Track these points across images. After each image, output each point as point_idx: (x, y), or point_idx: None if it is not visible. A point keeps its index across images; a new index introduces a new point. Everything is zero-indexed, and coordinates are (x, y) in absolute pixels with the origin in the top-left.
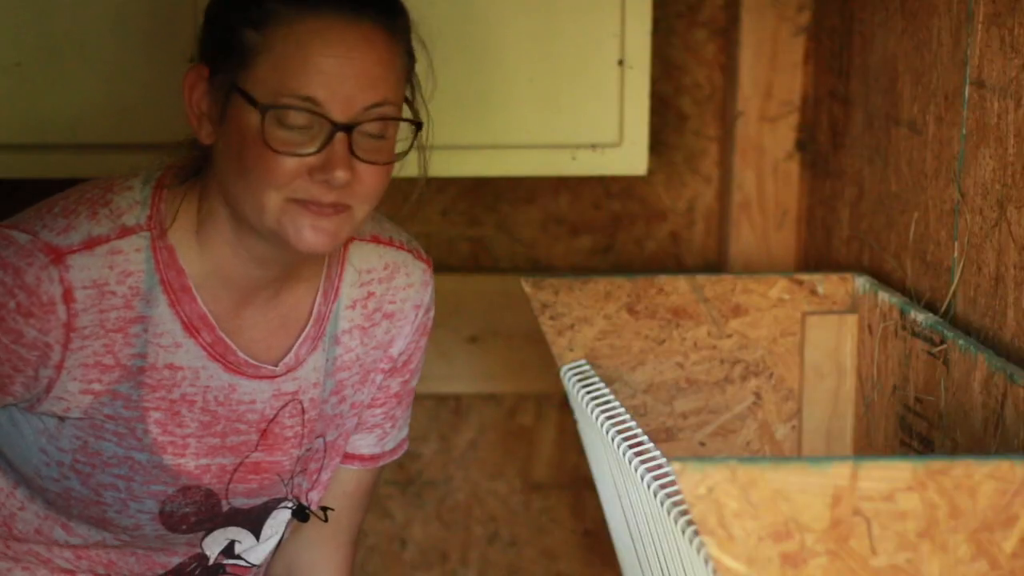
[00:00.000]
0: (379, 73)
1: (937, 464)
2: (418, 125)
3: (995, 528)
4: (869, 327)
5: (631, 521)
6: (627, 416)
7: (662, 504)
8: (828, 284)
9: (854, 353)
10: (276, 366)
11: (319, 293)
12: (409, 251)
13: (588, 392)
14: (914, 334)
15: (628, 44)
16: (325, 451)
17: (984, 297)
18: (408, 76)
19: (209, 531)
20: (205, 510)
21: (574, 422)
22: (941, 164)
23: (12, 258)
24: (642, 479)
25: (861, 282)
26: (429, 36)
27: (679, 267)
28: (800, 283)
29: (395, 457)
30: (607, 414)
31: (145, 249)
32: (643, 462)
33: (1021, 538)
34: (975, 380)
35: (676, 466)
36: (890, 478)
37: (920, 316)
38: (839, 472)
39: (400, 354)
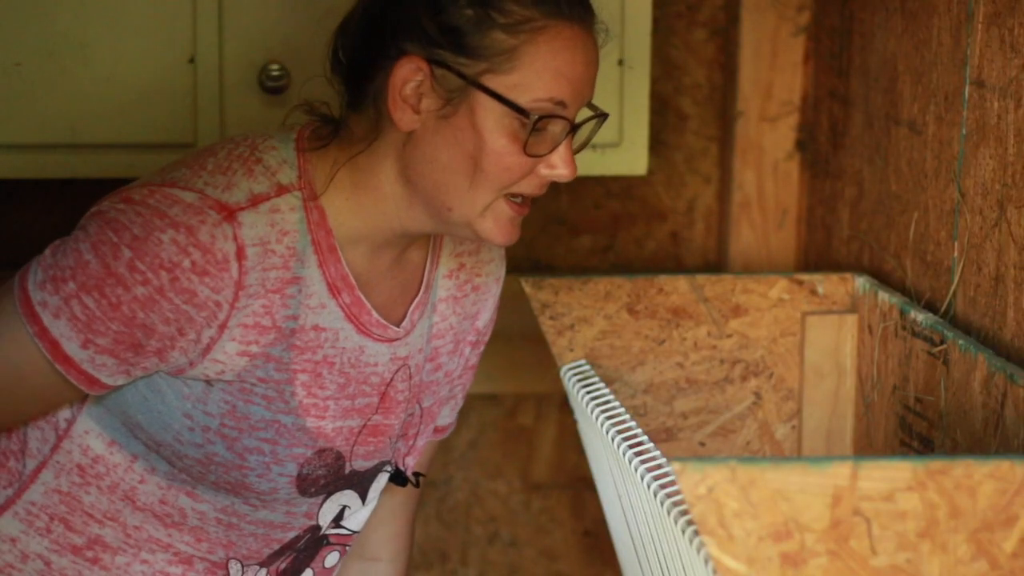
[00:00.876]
0: (596, 74)
1: (937, 464)
2: (605, 116)
3: (995, 528)
4: (869, 327)
5: (631, 521)
6: (627, 416)
7: (662, 504)
8: (828, 284)
9: (854, 353)
10: (398, 328)
11: (428, 260)
12: None
13: (588, 392)
14: (914, 334)
15: (628, 44)
16: (422, 417)
17: (984, 297)
18: None
19: (330, 494)
20: (333, 472)
21: (574, 422)
22: (941, 164)
23: (181, 216)
24: (642, 479)
25: (861, 282)
26: None
27: (679, 267)
28: (800, 283)
29: (452, 429)
30: (607, 414)
31: (298, 209)
32: (643, 462)
33: (1021, 538)
34: (975, 380)
35: (676, 466)
36: (890, 478)
37: (920, 316)
38: (839, 472)
39: (484, 326)
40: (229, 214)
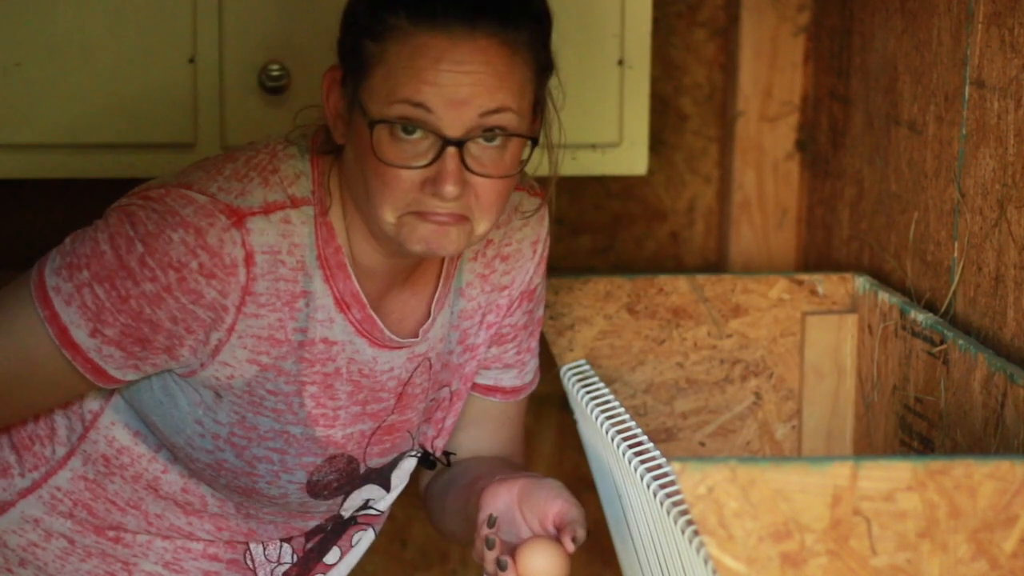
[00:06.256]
0: (494, 84)
1: (937, 464)
2: (533, 141)
3: (995, 528)
4: (869, 327)
5: (631, 521)
6: (627, 416)
7: (662, 504)
8: (828, 284)
9: (854, 353)
10: (416, 336)
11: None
12: (523, 189)
13: (588, 392)
14: (914, 334)
15: (628, 44)
16: (451, 399)
17: (984, 297)
18: (536, 86)
19: (348, 494)
20: (346, 476)
21: (574, 422)
22: (941, 164)
23: (192, 217)
24: (642, 479)
25: (861, 282)
26: None
27: (679, 267)
28: (800, 283)
29: (532, 388)
30: (607, 414)
31: (309, 223)
32: (643, 462)
33: (1021, 538)
34: (975, 380)
35: (676, 466)
36: (890, 478)
37: (920, 316)
38: (839, 472)
39: (520, 290)
40: (238, 219)
